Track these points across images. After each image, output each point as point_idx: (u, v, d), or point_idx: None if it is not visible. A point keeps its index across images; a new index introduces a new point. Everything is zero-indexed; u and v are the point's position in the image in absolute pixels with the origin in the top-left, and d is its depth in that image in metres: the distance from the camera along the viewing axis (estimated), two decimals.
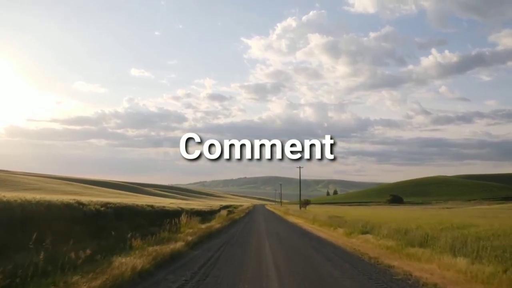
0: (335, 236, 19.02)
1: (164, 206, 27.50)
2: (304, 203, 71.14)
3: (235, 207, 74.39)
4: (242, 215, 46.36)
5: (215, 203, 78.75)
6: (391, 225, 19.64)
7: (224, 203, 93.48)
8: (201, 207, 43.84)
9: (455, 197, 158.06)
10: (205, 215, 33.84)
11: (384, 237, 15.44)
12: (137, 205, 20.41)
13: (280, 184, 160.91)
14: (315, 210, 59.66)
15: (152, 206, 23.54)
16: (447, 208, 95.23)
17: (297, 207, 79.65)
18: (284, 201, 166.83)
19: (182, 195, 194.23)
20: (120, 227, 16.13)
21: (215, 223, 23.72)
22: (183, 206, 38.39)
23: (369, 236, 16.51)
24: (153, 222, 19.27)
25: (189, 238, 14.00)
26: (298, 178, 71.89)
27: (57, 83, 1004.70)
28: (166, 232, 14.93)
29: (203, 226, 20.45)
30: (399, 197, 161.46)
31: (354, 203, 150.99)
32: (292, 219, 39.92)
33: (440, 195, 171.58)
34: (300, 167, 69.81)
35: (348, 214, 37.56)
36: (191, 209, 34.93)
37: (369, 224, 21.14)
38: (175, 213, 25.38)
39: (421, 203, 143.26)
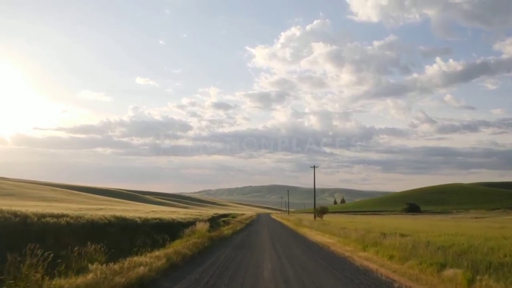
0: None
1: (80, 216, 13.87)
2: (321, 212, 56.88)
3: (234, 216, 60.83)
4: (237, 229, 32.68)
5: (210, 212, 65.10)
6: None
7: (223, 212, 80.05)
8: (182, 216, 30.20)
9: (475, 206, 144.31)
10: (181, 229, 20.29)
11: None
12: None
13: (287, 191, 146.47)
14: (335, 220, 45.83)
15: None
16: (476, 218, 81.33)
17: (308, 216, 65.90)
18: (290, 210, 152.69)
19: (184, 203, 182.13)
20: None
21: (157, 257, 10.10)
22: (150, 215, 24.81)
23: None
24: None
25: None
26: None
27: (63, 91, 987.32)
28: None
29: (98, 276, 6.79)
30: (416, 206, 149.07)
31: (367, 212, 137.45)
32: (312, 235, 26.10)
33: (458, 203, 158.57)
34: (314, 166, 56.16)
35: (402, 228, 23.79)
36: (147, 219, 21.24)
37: None
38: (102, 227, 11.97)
39: (440, 212, 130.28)
